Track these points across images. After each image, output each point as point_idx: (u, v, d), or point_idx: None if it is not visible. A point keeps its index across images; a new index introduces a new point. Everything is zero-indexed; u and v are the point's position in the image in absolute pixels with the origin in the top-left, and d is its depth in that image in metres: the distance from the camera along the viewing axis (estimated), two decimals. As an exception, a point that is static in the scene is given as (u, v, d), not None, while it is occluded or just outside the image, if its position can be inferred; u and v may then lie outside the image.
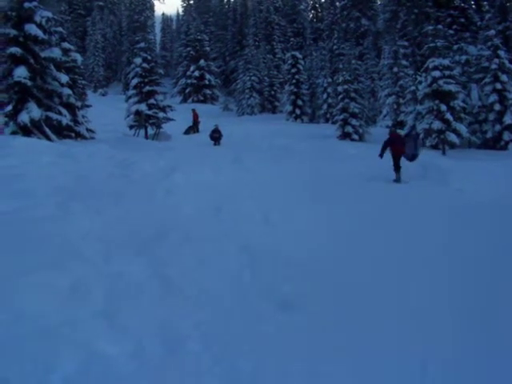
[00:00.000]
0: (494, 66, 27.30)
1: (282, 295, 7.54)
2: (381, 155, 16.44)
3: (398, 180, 16.13)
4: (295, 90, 46.70)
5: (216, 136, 28.89)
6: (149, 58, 30.20)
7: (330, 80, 43.61)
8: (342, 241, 10.24)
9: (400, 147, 16.35)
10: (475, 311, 7.05)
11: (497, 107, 27.01)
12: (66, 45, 25.68)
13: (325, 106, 43.76)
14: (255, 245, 9.57)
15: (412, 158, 16.91)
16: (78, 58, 26.65)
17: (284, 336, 6.44)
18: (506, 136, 26.85)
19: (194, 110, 35.59)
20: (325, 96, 43.72)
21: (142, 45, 30.47)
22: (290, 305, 7.26)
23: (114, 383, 5.26)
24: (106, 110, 38.87)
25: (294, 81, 47.07)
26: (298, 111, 46.26)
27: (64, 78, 22.72)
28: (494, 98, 27.16)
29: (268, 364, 5.84)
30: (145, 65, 29.79)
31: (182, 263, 8.53)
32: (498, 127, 27.10)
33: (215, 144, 28.37)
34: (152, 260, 8.46)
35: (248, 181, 14.23)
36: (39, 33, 21.14)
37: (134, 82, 29.94)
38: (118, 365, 5.55)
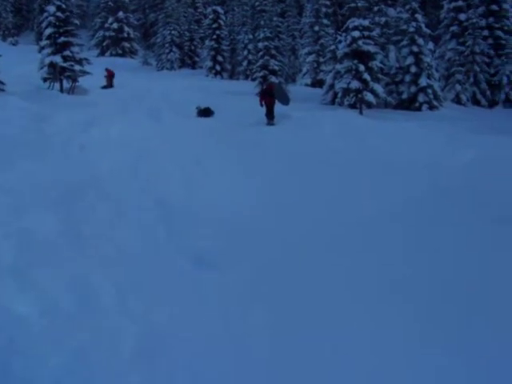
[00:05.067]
0: (411, 29, 27.84)
1: (198, 252, 7.56)
2: (261, 105, 19.42)
3: (270, 124, 18.93)
4: (216, 45, 46.12)
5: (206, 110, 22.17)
6: (63, 6, 28.77)
7: (250, 36, 43.30)
8: (254, 193, 10.39)
9: (269, 98, 19.30)
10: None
11: (413, 69, 27.66)
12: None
13: (245, 63, 43.51)
14: (172, 201, 9.51)
15: (286, 102, 21.01)
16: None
17: (198, 291, 6.49)
18: (421, 98, 27.61)
19: (107, 70, 34.46)
20: (245, 52, 43.43)
21: (56, -8, 29.03)
22: (205, 261, 7.30)
23: (24, 342, 5.12)
24: (18, 61, 37.03)
25: (214, 36, 46.43)
26: (218, 67, 45.79)
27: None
28: (410, 60, 27.78)
29: (182, 316, 5.89)
30: (59, 14, 28.39)
31: (96, 220, 8.38)
32: (413, 89, 27.81)
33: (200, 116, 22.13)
34: (65, 216, 8.25)
35: (166, 136, 14.05)
36: None
37: (48, 31, 28.52)
38: (29, 323, 5.41)
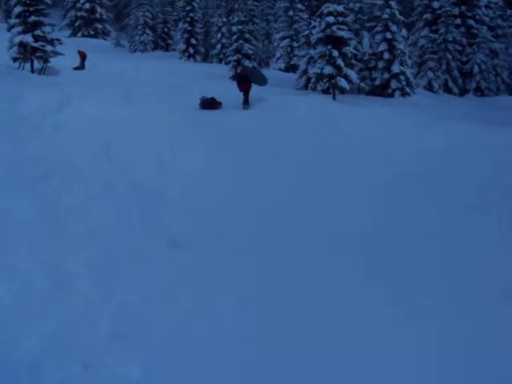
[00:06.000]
0: (385, 16, 27.93)
1: (171, 234, 7.63)
2: (240, 90, 19.34)
3: (245, 108, 18.91)
4: (189, 28, 45.65)
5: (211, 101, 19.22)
6: (34, -16, 28.21)
7: (224, 20, 42.97)
8: (228, 176, 10.49)
9: (243, 83, 19.32)
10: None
11: (386, 56, 27.80)
12: None
13: (218, 46, 43.21)
14: (146, 183, 9.50)
15: (263, 83, 21.02)
16: None
17: (171, 272, 6.58)
18: (394, 84, 27.78)
19: (79, 51, 33.91)
20: (219, 36, 43.11)
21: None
22: (179, 243, 7.38)
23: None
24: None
25: (188, 19, 45.95)
26: (191, 50, 45.39)
27: None
28: (383, 46, 27.91)
29: (156, 296, 5.97)
30: (29, -8, 27.82)
31: (70, 202, 8.33)
32: (386, 75, 27.97)
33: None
34: (39, 198, 8.19)
35: (139, 118, 13.92)
36: None
37: (17, 10, 27.82)
38: (3, 304, 5.42)
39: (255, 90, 19.74)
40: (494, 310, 5.99)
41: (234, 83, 20.22)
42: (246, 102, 19.25)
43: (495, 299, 6.22)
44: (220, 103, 18.86)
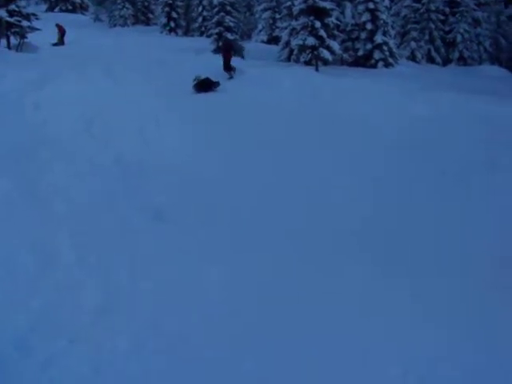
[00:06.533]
0: (367, -14, 27.77)
1: (155, 207, 7.62)
2: (225, 61, 19.19)
3: (230, 77, 18.70)
4: (170, 1, 44.97)
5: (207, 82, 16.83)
6: (8, -44, 27.53)
7: (206, -8, 42.42)
8: (213, 149, 10.49)
9: (225, 53, 19.39)
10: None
11: (369, 26, 27.59)
12: None
13: (200, 19, 42.63)
14: (129, 159, 9.43)
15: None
16: None
17: (156, 245, 6.58)
18: (377, 55, 27.66)
19: (58, 26, 33.29)
20: (200, 9, 42.50)
21: None
22: (162, 216, 7.39)
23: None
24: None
25: (169, -8, 45.34)
26: (172, 24, 44.74)
27: None
28: (366, 17, 27.67)
29: (142, 269, 5.98)
30: (3, -36, 27.17)
31: (53, 179, 8.24)
32: (369, 46, 27.81)
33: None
34: (21, 176, 8.09)
35: (121, 93, 13.73)
36: None
37: (-9, -16, 27.34)
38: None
39: (238, 62, 19.59)
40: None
41: (218, 56, 20.19)
42: (228, 70, 19.23)
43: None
44: (217, 83, 16.67)
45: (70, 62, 18.88)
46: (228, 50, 20.02)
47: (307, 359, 4.71)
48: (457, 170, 9.61)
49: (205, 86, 16.26)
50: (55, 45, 31.61)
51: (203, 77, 16.45)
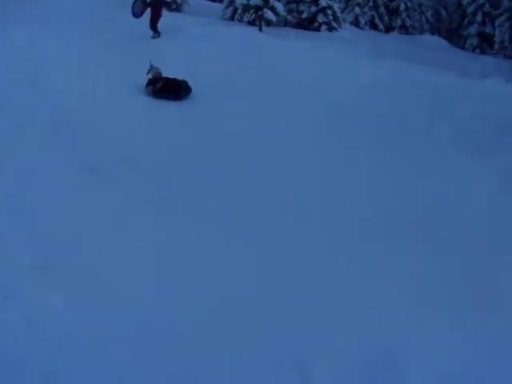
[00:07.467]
0: None
1: (93, 163, 7.50)
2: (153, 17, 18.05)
3: (154, 37, 17.63)
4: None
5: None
6: None
7: None
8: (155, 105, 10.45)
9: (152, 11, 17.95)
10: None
11: (314, -12, 27.46)
12: None
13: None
14: (70, 112, 9.18)
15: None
16: None
17: (93, 201, 6.42)
18: (321, 18, 27.50)
19: None
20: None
21: None
22: (100, 172, 7.30)
23: None
24: None
25: None
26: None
27: None
28: (311, -22, 27.49)
29: (80, 225, 5.84)
30: None
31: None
32: (313, 9, 27.60)
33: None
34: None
35: (68, 53, 13.05)
36: None
37: None
38: None
39: (173, 19, 18.97)
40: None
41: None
42: (156, 30, 18.12)
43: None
44: (187, 88, 11.29)
45: (12, 15, 17.82)
46: (159, 6, 18.43)
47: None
48: (396, 136, 9.77)
49: (169, 91, 11.05)
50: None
51: (157, 70, 11.61)
